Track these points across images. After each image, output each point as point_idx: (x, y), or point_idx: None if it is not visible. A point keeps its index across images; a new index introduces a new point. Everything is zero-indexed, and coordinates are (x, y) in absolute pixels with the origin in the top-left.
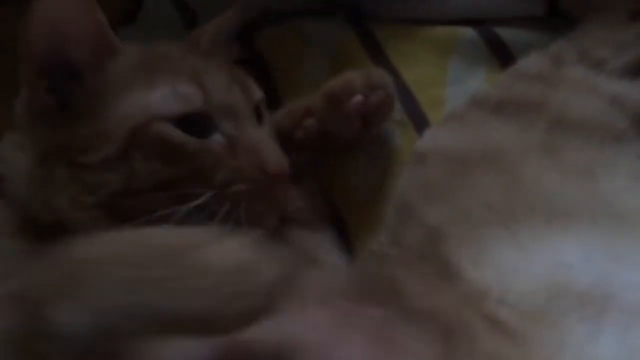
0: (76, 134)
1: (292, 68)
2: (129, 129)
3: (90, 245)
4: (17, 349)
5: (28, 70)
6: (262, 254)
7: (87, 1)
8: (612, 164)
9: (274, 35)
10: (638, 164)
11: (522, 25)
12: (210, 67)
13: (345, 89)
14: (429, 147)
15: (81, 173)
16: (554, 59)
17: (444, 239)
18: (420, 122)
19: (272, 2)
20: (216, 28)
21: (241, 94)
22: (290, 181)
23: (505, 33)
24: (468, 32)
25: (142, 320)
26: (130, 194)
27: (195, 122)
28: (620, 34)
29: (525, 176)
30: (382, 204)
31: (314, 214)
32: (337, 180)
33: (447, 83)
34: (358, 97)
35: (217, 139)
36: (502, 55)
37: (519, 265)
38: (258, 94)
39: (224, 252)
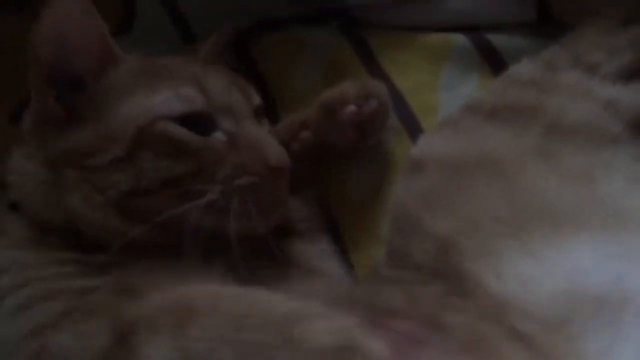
0: (83, 139)
1: (286, 76)
2: (134, 130)
3: (196, 292)
4: None
5: (36, 78)
6: (367, 334)
7: (91, 11)
8: (609, 166)
9: (269, 44)
10: (635, 166)
11: (514, 31)
12: (210, 71)
13: (340, 99)
14: (424, 153)
15: (90, 175)
16: (546, 64)
17: (458, 251)
18: (413, 129)
19: (267, 11)
20: (212, 42)
21: (241, 96)
22: (290, 191)
23: (497, 40)
24: (460, 39)
25: None
26: (139, 193)
27: (197, 122)
28: (613, 38)
29: (523, 181)
30: (377, 210)
31: (312, 224)
32: (333, 188)
33: (440, 90)
34: (351, 107)
35: (218, 137)
36: (494, 62)
37: (535, 274)
38: (257, 99)
39: (330, 329)
